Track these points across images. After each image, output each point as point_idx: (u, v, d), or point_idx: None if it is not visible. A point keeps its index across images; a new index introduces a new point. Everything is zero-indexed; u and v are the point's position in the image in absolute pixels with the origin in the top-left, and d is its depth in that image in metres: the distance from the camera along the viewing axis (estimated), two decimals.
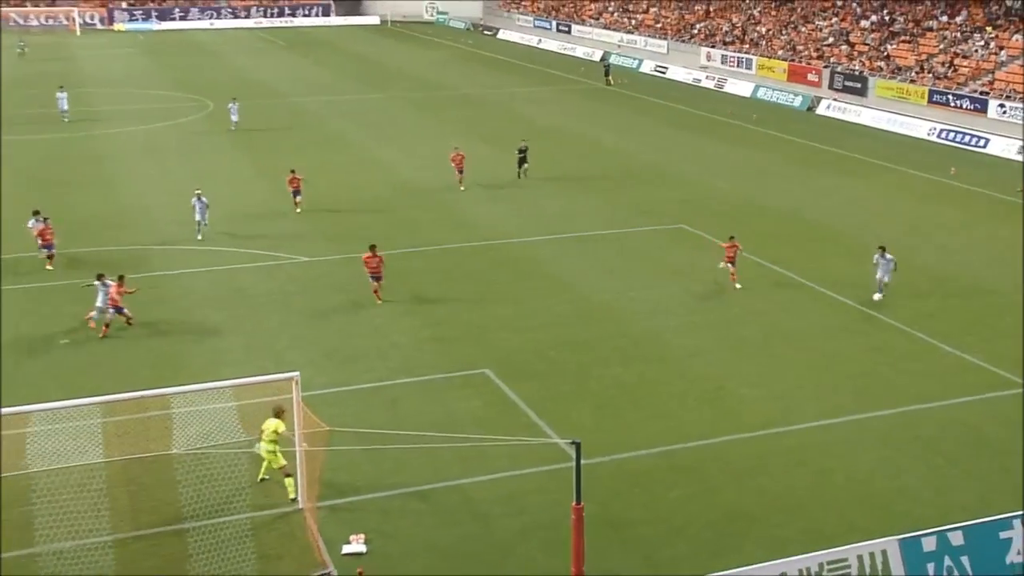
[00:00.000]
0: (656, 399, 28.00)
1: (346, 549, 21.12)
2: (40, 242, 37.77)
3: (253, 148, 58.79)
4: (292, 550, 21.19)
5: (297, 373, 22.37)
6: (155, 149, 58.60)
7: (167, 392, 24.84)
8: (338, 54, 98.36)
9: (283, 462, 22.79)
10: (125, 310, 32.31)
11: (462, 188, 48.88)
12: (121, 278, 32.59)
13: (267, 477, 23.33)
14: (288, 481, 22.76)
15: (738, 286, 35.54)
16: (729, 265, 35.67)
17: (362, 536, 21.45)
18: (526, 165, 51.25)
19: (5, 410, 21.18)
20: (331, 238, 41.48)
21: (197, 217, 41.33)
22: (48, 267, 37.53)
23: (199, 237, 40.93)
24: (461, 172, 49.48)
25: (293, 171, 44.90)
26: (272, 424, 22.89)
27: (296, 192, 44.76)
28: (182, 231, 42.41)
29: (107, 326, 31.92)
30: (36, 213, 38.64)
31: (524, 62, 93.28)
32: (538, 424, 26.34)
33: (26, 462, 23.69)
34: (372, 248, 34.45)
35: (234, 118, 63.23)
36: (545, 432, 25.85)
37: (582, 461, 18.86)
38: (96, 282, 32.22)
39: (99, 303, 32.11)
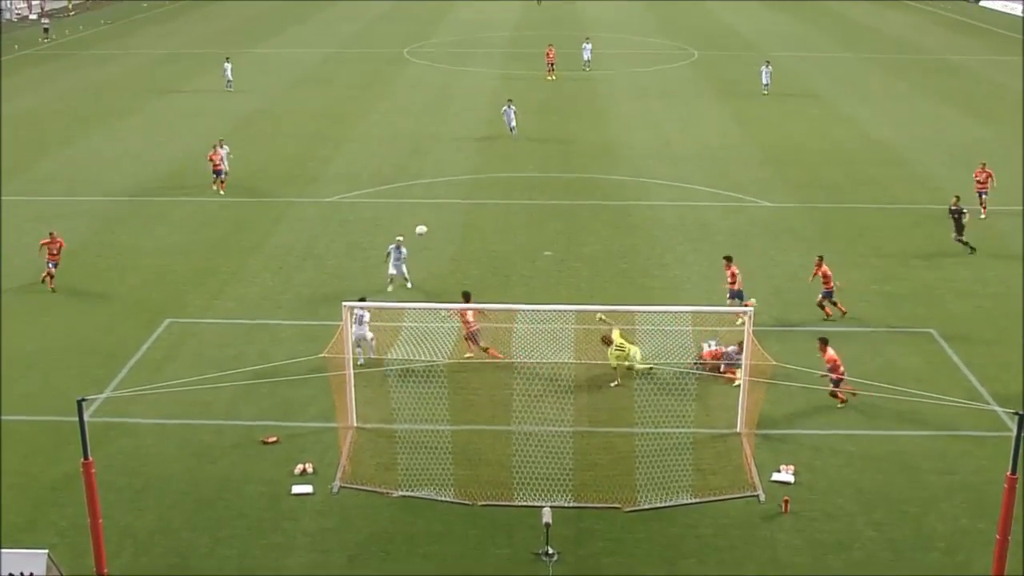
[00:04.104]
0: None
1: (775, 476, 21.13)
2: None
3: (729, 96, 58.59)
4: (726, 468, 21.46)
5: (751, 308, 22.47)
6: (641, 91, 59.95)
7: (634, 310, 25.89)
8: (814, 10, 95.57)
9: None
10: None
11: (982, 216, 36.86)
12: None
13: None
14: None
15: None
16: None
17: (791, 467, 21.36)
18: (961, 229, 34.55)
19: (504, 305, 23.34)
20: (795, 186, 40.85)
21: (391, 270, 30.52)
22: None
23: (389, 289, 30.51)
24: (984, 194, 37.37)
25: None
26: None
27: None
28: (658, 166, 43.55)
29: None
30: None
31: (1007, 31, 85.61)
32: (978, 390, 24.85)
33: (512, 352, 25.42)
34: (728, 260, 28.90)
35: (765, 80, 58.87)
36: (984, 398, 24.34)
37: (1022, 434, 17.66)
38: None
39: None
